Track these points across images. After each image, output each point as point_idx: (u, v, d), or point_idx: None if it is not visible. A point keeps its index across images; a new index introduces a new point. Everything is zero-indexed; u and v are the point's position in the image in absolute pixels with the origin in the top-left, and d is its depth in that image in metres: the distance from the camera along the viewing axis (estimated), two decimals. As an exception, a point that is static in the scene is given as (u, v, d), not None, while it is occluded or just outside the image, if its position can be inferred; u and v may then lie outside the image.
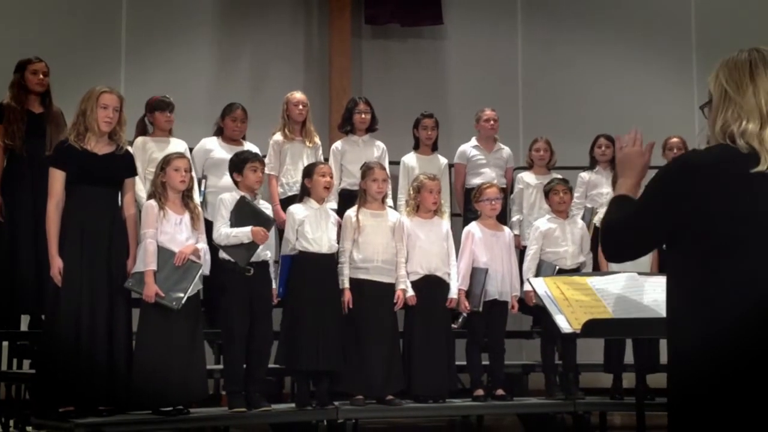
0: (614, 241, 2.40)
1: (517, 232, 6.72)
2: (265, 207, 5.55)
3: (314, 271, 5.47)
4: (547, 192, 6.18)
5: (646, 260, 5.89)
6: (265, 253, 5.34)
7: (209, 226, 5.42)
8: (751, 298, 2.17)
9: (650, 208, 2.30)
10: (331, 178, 5.74)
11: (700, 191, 2.22)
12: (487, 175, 6.79)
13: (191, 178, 5.29)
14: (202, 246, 5.13)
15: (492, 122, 6.93)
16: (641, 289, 3.40)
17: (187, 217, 5.11)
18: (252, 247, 5.21)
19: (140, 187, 5.55)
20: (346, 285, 5.57)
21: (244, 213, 5.28)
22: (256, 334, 5.26)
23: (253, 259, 5.26)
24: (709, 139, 2.33)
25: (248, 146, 6.14)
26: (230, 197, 5.35)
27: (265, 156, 6.18)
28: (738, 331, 2.16)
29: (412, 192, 6.02)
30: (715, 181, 2.21)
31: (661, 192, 2.28)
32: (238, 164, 5.44)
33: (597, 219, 6.27)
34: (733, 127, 2.24)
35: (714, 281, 2.20)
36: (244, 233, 5.20)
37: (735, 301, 2.18)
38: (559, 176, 6.51)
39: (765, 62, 2.29)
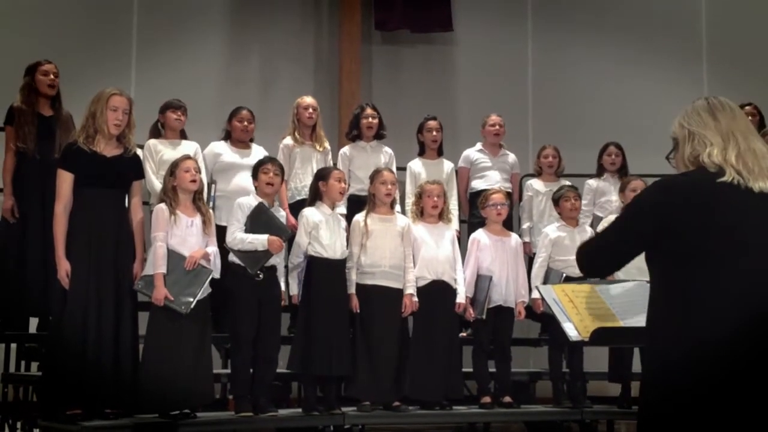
0: (589, 260, 2.65)
1: (527, 239, 6.71)
2: (282, 215, 5.54)
3: (327, 276, 5.46)
4: (557, 199, 6.15)
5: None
6: (276, 260, 5.34)
7: (220, 230, 5.43)
8: (726, 307, 2.27)
9: (629, 226, 2.52)
10: (345, 183, 5.74)
11: (673, 207, 2.38)
12: (492, 178, 6.78)
13: (201, 180, 5.29)
14: (213, 250, 5.13)
15: (497, 128, 6.92)
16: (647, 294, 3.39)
17: (198, 219, 5.12)
18: (266, 255, 5.21)
19: (153, 180, 5.63)
20: (353, 290, 5.57)
21: (260, 220, 5.28)
22: (263, 339, 5.25)
23: (262, 263, 5.26)
24: (683, 170, 2.53)
25: (256, 149, 6.15)
26: (248, 202, 5.35)
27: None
28: (716, 340, 2.25)
29: (414, 197, 6.03)
30: (687, 196, 2.39)
31: (638, 204, 2.52)
32: (254, 169, 5.47)
33: (600, 229, 6.23)
34: (701, 152, 2.45)
35: (688, 291, 2.32)
36: (260, 241, 5.20)
37: (710, 310, 2.28)
38: (569, 183, 6.50)
39: (723, 105, 2.53)
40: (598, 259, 2.61)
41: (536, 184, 6.88)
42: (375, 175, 5.80)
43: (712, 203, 2.36)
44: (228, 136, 6.21)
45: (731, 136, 2.44)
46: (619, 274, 5.96)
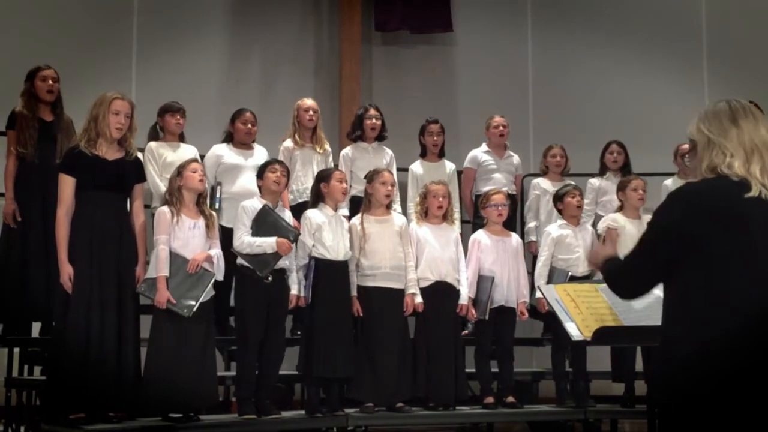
0: (623, 285, 2.60)
1: (533, 238, 6.70)
2: (287, 216, 5.52)
3: (331, 278, 5.45)
4: (562, 196, 6.13)
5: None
6: (285, 262, 5.33)
7: (226, 232, 5.42)
8: (741, 311, 2.27)
9: (652, 242, 2.47)
10: (347, 184, 5.73)
11: (694, 214, 2.36)
12: (498, 181, 6.78)
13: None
14: (216, 252, 5.12)
15: (501, 129, 6.92)
16: (652, 296, 3.39)
17: (201, 222, 5.12)
18: (275, 257, 5.21)
19: (158, 182, 5.66)
20: (354, 293, 5.57)
21: (266, 222, 5.28)
22: (269, 341, 5.25)
23: (272, 266, 5.26)
24: (700, 178, 2.47)
25: (259, 150, 6.14)
26: (252, 205, 5.34)
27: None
28: (728, 341, 2.26)
29: (419, 198, 6.03)
30: (707, 204, 2.36)
31: (660, 224, 2.45)
32: (260, 169, 5.47)
33: (601, 227, 6.24)
34: (719, 164, 2.41)
35: (706, 294, 2.31)
36: (268, 244, 5.19)
37: (725, 312, 2.28)
38: (572, 183, 6.50)
39: (745, 110, 2.47)
40: (632, 282, 2.56)
41: (543, 183, 6.86)
42: (374, 175, 5.77)
43: (735, 213, 2.34)
44: (230, 138, 6.19)
45: (755, 149, 2.40)
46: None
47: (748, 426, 2.23)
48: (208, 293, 5.02)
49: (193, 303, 4.93)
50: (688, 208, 2.38)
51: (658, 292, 3.40)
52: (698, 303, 2.31)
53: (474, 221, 6.76)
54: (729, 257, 2.31)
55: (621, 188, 6.21)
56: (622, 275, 2.58)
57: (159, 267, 4.93)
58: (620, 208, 6.21)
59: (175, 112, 6.01)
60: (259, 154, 6.05)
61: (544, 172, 6.96)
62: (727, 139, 2.41)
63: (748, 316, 2.26)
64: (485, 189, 6.67)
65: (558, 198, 6.20)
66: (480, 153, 6.95)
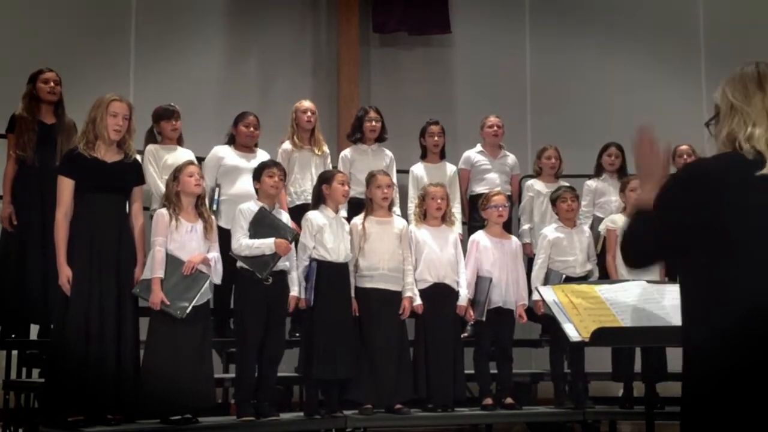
0: (633, 250, 2.45)
1: (528, 240, 6.69)
2: (286, 218, 5.52)
3: (332, 279, 5.45)
4: (555, 200, 6.16)
5: (655, 267, 5.89)
6: (285, 263, 5.34)
7: (224, 234, 5.42)
8: (756, 302, 2.20)
9: (663, 220, 2.34)
10: (348, 186, 5.74)
11: (707, 198, 2.25)
12: (491, 181, 6.78)
13: (204, 186, 5.29)
14: (214, 255, 5.12)
15: (495, 128, 6.92)
16: (650, 297, 3.39)
17: (199, 225, 5.12)
18: (274, 258, 5.21)
19: (159, 183, 5.63)
20: (352, 293, 5.57)
21: (263, 224, 5.28)
22: (269, 343, 5.25)
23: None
24: (718, 149, 2.36)
25: (261, 153, 6.14)
26: (249, 208, 5.35)
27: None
28: (744, 334, 2.20)
29: (417, 200, 6.04)
30: (721, 187, 2.25)
31: (672, 203, 2.32)
32: (257, 171, 5.46)
33: (602, 228, 6.25)
34: (739, 134, 2.29)
35: (721, 285, 2.24)
36: (266, 245, 5.20)
37: (740, 304, 2.21)
38: (567, 184, 6.51)
39: None
40: (642, 249, 2.41)
41: (537, 184, 6.85)
42: (370, 179, 5.80)
43: (748, 198, 2.22)
44: (232, 141, 6.18)
45: None
46: (622, 272, 5.98)
47: (749, 428, 2.21)
48: (203, 295, 5.02)
49: (186, 305, 4.93)
50: (702, 192, 2.26)
51: (657, 294, 3.41)
52: (701, 300, 2.26)
53: (470, 223, 6.75)
54: (732, 251, 2.23)
55: (621, 189, 6.27)
56: (639, 243, 2.43)
57: (154, 268, 4.93)
58: (624, 209, 6.23)
59: (169, 118, 5.97)
60: (261, 158, 6.04)
61: (537, 174, 6.95)
62: (751, 105, 2.29)
63: (749, 313, 2.21)
64: (478, 189, 6.69)
65: (552, 202, 6.22)
66: (473, 153, 6.96)
